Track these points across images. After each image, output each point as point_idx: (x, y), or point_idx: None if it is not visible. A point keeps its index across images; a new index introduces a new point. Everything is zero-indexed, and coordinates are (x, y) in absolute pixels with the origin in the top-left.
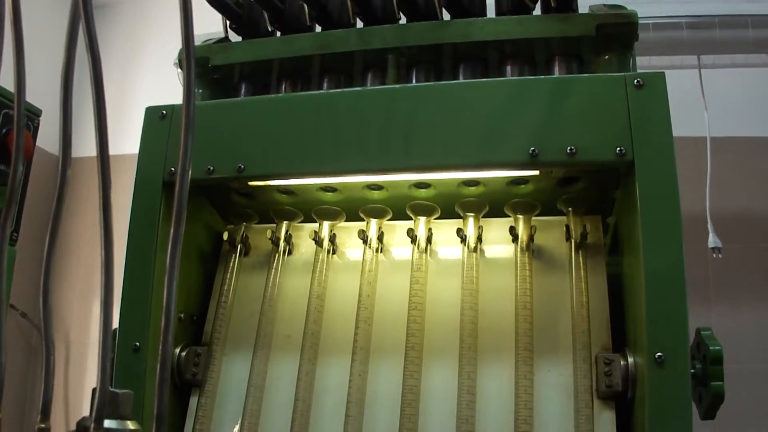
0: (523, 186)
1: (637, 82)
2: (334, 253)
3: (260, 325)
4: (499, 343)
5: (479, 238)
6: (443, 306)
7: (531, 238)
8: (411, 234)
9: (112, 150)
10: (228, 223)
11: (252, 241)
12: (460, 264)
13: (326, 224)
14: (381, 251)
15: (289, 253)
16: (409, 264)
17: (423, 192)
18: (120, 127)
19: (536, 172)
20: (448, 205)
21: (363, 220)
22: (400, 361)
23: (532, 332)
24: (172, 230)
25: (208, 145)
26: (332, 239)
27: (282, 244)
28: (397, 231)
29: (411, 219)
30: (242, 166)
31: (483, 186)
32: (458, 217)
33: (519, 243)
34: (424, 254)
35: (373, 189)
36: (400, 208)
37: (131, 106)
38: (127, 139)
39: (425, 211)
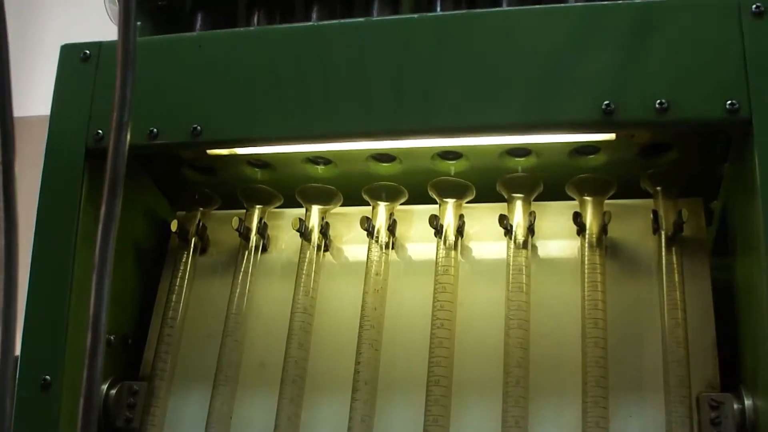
0: (592, 156)
1: (756, 8)
2: (326, 249)
3: (222, 350)
4: (559, 376)
5: (530, 230)
6: (480, 324)
7: (604, 230)
8: (435, 223)
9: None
10: (178, 208)
11: (212, 234)
12: (503, 265)
13: (315, 209)
14: (393, 247)
15: (264, 249)
16: (433, 265)
17: (452, 164)
18: (20, 79)
19: (611, 136)
20: (486, 184)
21: (367, 204)
22: (420, 401)
23: (606, 361)
24: (102, 217)
25: (149, 98)
26: (324, 230)
27: (254, 237)
28: (414, 219)
29: (435, 202)
30: (198, 128)
31: (536, 156)
32: (500, 199)
33: (587, 236)
34: (453, 252)
35: (382, 160)
36: (419, 187)
37: (37, 53)
38: (32, 97)
39: (455, 191)
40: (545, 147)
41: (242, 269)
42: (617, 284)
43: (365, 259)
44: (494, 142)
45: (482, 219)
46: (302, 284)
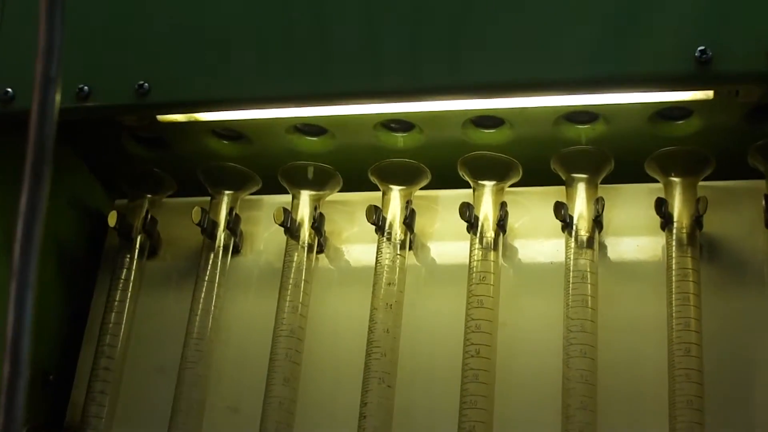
0: (681, 122)
1: None
2: (320, 250)
3: (180, 389)
4: (637, 420)
5: (597, 222)
6: (529, 351)
7: (697, 222)
8: (467, 214)
9: None
10: (117, 196)
11: (163, 230)
12: (560, 271)
13: (306, 196)
14: (410, 247)
15: (236, 250)
16: (465, 271)
17: (489, 134)
18: None
19: (708, 94)
20: (536, 160)
21: (376, 189)
22: None
23: (702, 401)
24: (22, 209)
25: (79, 44)
26: (318, 224)
27: (221, 234)
28: (440, 208)
29: (467, 186)
30: (145, 85)
31: (604, 123)
32: (556, 181)
33: (674, 231)
34: (492, 252)
35: (395, 129)
36: (446, 165)
37: None
38: None
39: (494, 170)
40: (617, 110)
41: (206, 278)
42: (716, 296)
43: (373, 263)
44: (548, 104)
45: (531, 208)
46: (288, 298)
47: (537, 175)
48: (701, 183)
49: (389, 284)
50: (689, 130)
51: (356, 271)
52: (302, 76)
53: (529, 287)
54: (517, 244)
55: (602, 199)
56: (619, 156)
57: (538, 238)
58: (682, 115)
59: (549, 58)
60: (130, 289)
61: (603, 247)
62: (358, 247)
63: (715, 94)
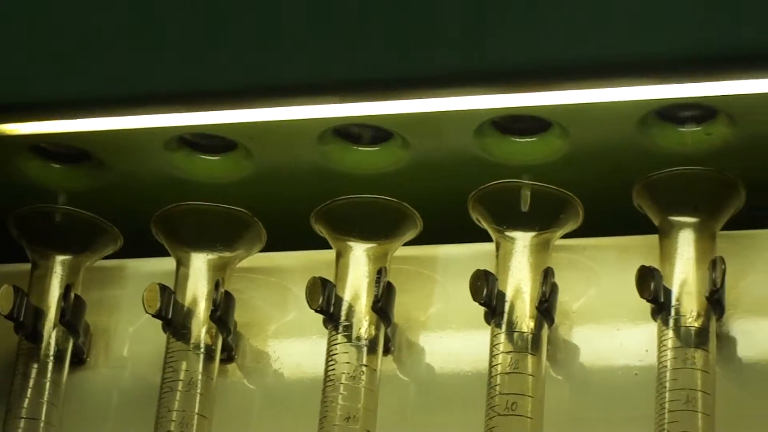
0: None
1: None
2: (229, 359)
3: None
4: None
5: (714, 300)
6: None
7: None
8: (485, 290)
9: None
10: None
11: None
12: (650, 384)
13: (200, 261)
14: (388, 349)
15: (79, 360)
16: (480, 390)
17: (524, 145)
18: None
19: None
20: (603, 190)
21: (325, 246)
22: None
23: None
24: None
25: None
26: (221, 312)
27: (52, 331)
28: (439, 279)
29: (486, 239)
30: None
31: (725, 122)
32: (637, 227)
33: None
34: (530, 356)
35: (359, 141)
36: (449, 202)
37: None
38: None
39: (536, 210)
40: (747, 101)
41: (22, 411)
42: None
43: (321, 377)
44: (628, 96)
45: (599, 275)
46: None
47: (605, 217)
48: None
49: (348, 418)
50: None
51: (292, 392)
52: (188, 56)
53: (599, 411)
54: (578, 338)
55: (722, 260)
56: (751, 180)
57: (616, 326)
58: None
59: (613, 32)
60: None
61: (723, 343)
62: (294, 349)
63: None
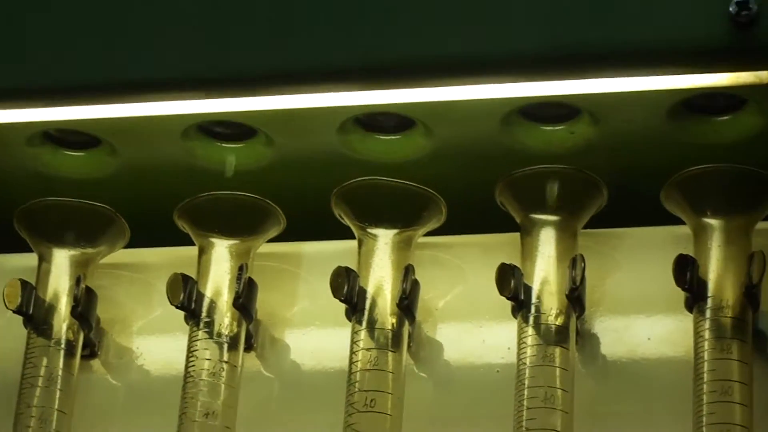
0: (723, 119)
1: None
2: (91, 354)
3: None
4: None
5: (574, 298)
6: None
7: (750, 296)
8: (345, 287)
9: None
10: None
11: None
12: (510, 380)
13: (63, 256)
14: (250, 345)
15: None
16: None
17: (388, 143)
18: None
19: (759, 75)
20: (466, 188)
21: (188, 243)
22: None
23: None
24: None
25: None
26: (83, 308)
27: None
28: (303, 275)
29: (349, 235)
30: None
31: (588, 121)
32: (499, 225)
33: (707, 312)
34: (391, 353)
35: (223, 137)
36: (313, 199)
37: None
38: None
39: (395, 208)
40: (609, 100)
41: None
42: None
43: (182, 374)
44: (489, 94)
45: (465, 272)
46: None
47: (469, 215)
48: (760, 226)
49: (207, 414)
50: (738, 133)
51: (155, 388)
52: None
53: (462, 409)
54: (442, 336)
55: (582, 258)
56: (614, 179)
57: (479, 324)
58: (725, 107)
59: (489, 26)
60: None
61: (586, 341)
62: (158, 345)
63: None
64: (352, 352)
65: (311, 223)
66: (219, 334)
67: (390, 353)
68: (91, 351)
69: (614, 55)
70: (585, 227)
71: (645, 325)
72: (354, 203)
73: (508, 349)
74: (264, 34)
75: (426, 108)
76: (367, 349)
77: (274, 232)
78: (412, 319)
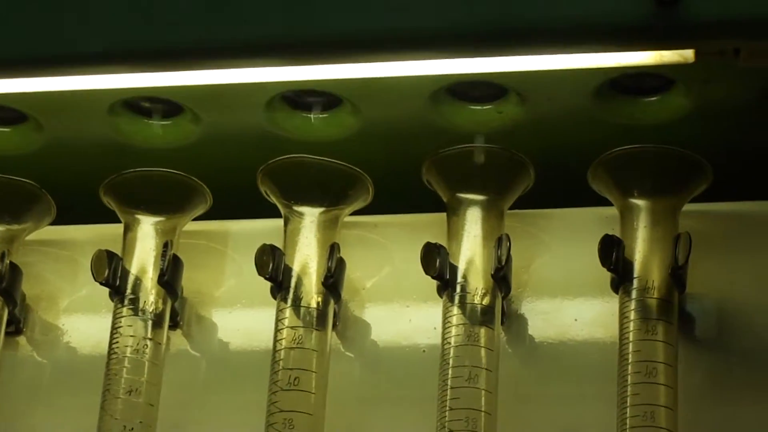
0: (651, 100)
1: None
2: (17, 331)
3: None
4: None
5: (499, 277)
6: None
7: (676, 277)
8: (270, 265)
9: None
10: None
11: None
12: (434, 359)
13: None
14: (176, 323)
15: None
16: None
17: (314, 122)
18: None
19: (683, 54)
20: (394, 167)
21: (114, 220)
22: None
23: None
24: None
25: None
26: (7, 284)
27: None
28: (230, 253)
29: (276, 215)
30: None
31: (515, 101)
32: (426, 206)
33: (633, 292)
34: (315, 332)
35: (150, 113)
36: (238, 177)
37: None
38: None
39: (321, 186)
40: (535, 79)
41: None
42: (706, 403)
43: (106, 352)
44: (415, 71)
45: (391, 252)
46: None
47: (397, 194)
48: (686, 208)
49: (130, 391)
50: (664, 115)
51: (81, 365)
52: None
53: (388, 388)
54: (368, 315)
55: (507, 237)
56: (542, 160)
57: (406, 304)
58: (654, 88)
59: (416, 1)
60: None
61: (513, 322)
62: (84, 322)
63: (696, 54)
64: (277, 330)
65: (238, 201)
66: (143, 311)
67: (315, 332)
68: (16, 327)
69: (539, 32)
70: (512, 208)
71: (572, 307)
72: (280, 181)
73: (435, 329)
74: (191, 7)
75: (353, 85)
76: (292, 327)
77: (200, 210)
78: (337, 297)
